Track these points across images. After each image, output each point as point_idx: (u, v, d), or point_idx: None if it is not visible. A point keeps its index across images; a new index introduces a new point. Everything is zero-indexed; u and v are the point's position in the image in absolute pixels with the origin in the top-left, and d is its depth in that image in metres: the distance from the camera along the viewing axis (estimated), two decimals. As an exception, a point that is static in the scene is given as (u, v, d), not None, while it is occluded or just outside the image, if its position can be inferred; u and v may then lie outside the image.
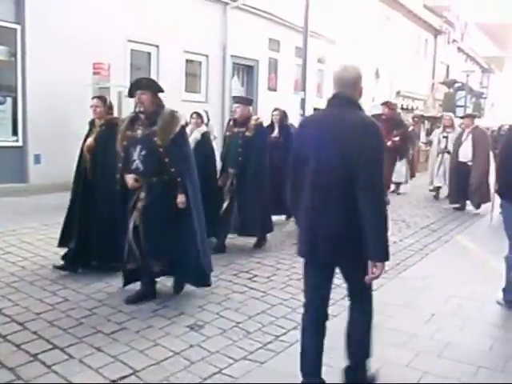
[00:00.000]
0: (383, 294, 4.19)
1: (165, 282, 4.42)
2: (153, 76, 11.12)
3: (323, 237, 2.61)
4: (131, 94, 4.08)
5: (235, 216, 5.72)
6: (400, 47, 21.52)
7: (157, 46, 11.19)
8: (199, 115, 6.22)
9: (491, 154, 9.33)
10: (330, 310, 2.86)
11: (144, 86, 4.03)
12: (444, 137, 10.03)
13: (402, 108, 19.70)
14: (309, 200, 2.64)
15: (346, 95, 2.64)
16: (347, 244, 2.58)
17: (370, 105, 12.32)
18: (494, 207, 7.16)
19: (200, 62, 12.71)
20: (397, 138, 9.31)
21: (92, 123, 4.91)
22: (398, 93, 21.91)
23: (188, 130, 6.08)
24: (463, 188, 8.84)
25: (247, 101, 6.09)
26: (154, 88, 4.07)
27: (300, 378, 2.80)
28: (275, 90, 15.04)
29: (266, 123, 7.24)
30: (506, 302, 4.32)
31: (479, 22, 41.81)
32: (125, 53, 10.46)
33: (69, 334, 3.49)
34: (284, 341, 3.54)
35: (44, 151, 9.00)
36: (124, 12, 10.09)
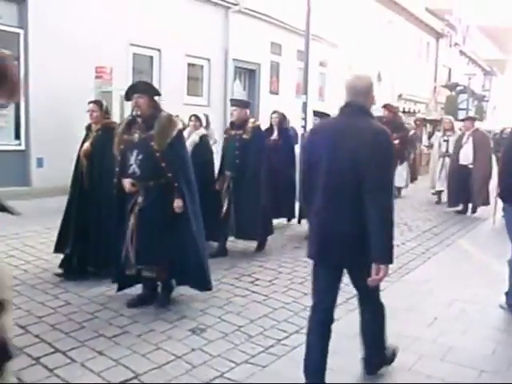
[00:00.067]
0: (385, 298, 4.14)
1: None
2: (155, 80, 11.17)
3: (333, 239, 2.67)
4: (128, 98, 4.07)
5: (233, 219, 5.70)
6: (402, 50, 21.54)
7: (159, 50, 11.22)
8: (198, 118, 6.20)
9: (493, 158, 9.31)
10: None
11: (141, 89, 4.02)
12: (445, 140, 10.01)
13: (404, 111, 19.71)
14: (320, 202, 2.72)
15: (359, 104, 2.73)
16: (357, 246, 2.63)
17: (372, 108, 12.31)
18: (496, 210, 7.14)
19: (202, 66, 12.74)
20: (396, 141, 9.31)
21: (89, 128, 4.91)
22: (400, 96, 21.91)
23: (186, 132, 6.08)
24: (463, 191, 8.82)
25: (244, 104, 6.07)
26: (150, 92, 4.06)
27: (303, 380, 2.80)
28: (277, 94, 15.06)
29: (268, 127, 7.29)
30: (509, 305, 4.30)
31: (481, 25, 41.83)
32: (127, 57, 10.49)
33: (71, 338, 3.49)
34: (286, 345, 3.53)
35: (46, 155, 9.02)
36: (126, 16, 10.13)
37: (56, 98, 8.85)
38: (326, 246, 2.71)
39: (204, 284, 4.22)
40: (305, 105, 10.97)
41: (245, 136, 5.68)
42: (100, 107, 4.81)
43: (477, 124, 9.36)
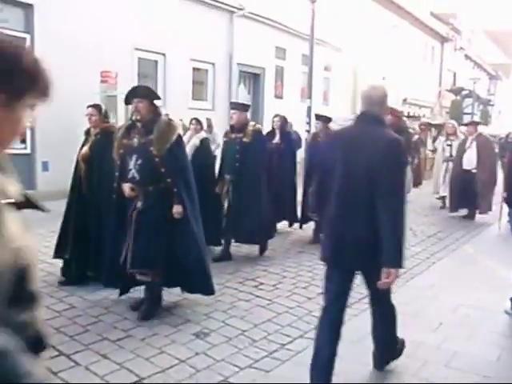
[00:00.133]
0: (390, 303, 4.17)
1: (171, 290, 4.41)
2: (160, 84, 11.22)
3: (348, 244, 2.75)
4: (128, 102, 4.06)
5: (232, 223, 5.64)
6: (406, 55, 21.55)
7: (163, 55, 11.27)
8: (198, 121, 6.20)
9: (499, 162, 9.26)
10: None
11: (140, 94, 3.99)
12: (448, 145, 9.96)
13: (409, 116, 19.68)
14: (334, 207, 2.81)
15: (374, 113, 2.83)
16: (370, 251, 2.70)
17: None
18: (502, 216, 7.10)
19: (206, 70, 12.78)
20: None
21: (87, 132, 4.90)
22: (405, 100, 21.89)
23: (187, 136, 6.09)
24: (465, 196, 8.74)
25: (244, 107, 5.99)
26: (150, 96, 4.03)
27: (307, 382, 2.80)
28: (281, 98, 15.08)
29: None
30: (514, 311, 4.29)
31: (486, 29, 41.80)
32: (132, 61, 10.54)
33: (75, 341, 3.49)
34: (290, 349, 3.53)
35: (52, 158, 9.06)
36: (131, 21, 10.18)
37: (62, 102, 8.79)
38: (339, 250, 2.80)
39: (207, 288, 4.19)
40: (309, 109, 10.99)
41: (245, 139, 5.63)
42: (99, 111, 4.79)
43: (481, 128, 9.31)
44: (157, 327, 3.80)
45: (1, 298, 0.85)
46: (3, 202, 0.91)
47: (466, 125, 10.03)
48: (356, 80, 18.33)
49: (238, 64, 13.36)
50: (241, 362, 3.30)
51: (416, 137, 12.52)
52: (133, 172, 3.93)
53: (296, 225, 7.22)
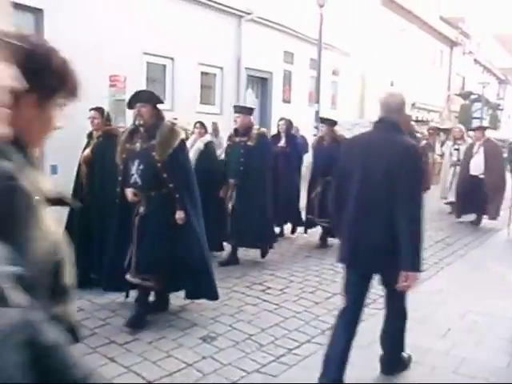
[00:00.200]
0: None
1: (178, 293, 4.42)
2: (168, 88, 11.26)
3: (364, 246, 2.84)
4: (131, 107, 4.05)
5: (234, 226, 5.61)
6: (415, 59, 21.49)
7: (172, 59, 11.32)
8: (203, 125, 6.15)
9: (508, 167, 9.19)
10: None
11: (143, 98, 3.97)
12: (455, 149, 9.89)
13: (417, 120, 19.62)
14: (353, 211, 2.88)
15: (392, 120, 2.89)
16: (388, 254, 2.78)
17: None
18: (511, 221, 7.06)
19: (215, 75, 12.82)
20: None
21: (90, 135, 4.91)
22: (413, 105, 21.79)
23: (191, 139, 6.07)
24: (472, 202, 8.66)
25: (248, 110, 5.93)
26: (153, 100, 4.00)
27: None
28: (289, 102, 15.09)
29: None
30: (524, 317, 4.25)
31: (496, 33, 41.60)
32: (141, 65, 10.60)
33: (82, 344, 3.50)
34: (297, 354, 3.52)
35: (60, 162, 9.09)
36: (140, 25, 10.24)
37: (70, 106, 8.94)
38: (357, 253, 2.88)
39: (211, 293, 4.16)
40: (317, 113, 10.99)
41: (249, 143, 5.58)
42: (101, 114, 4.81)
43: (490, 133, 9.24)
44: (164, 331, 3.80)
45: (44, 290, 0.87)
46: (39, 198, 0.94)
47: (473, 130, 9.96)
48: (364, 84, 18.31)
49: (246, 68, 13.39)
50: (248, 367, 3.29)
51: (424, 141, 12.46)
52: (135, 177, 3.91)
53: (299, 229, 7.18)
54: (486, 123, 18.67)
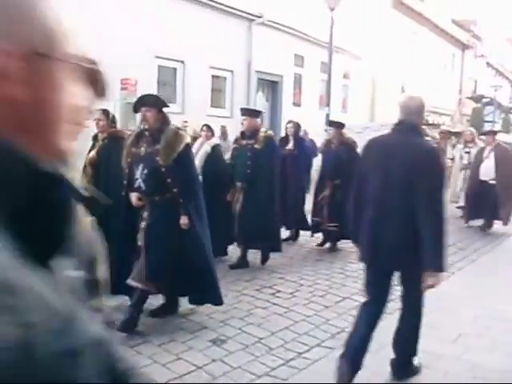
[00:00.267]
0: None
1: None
2: (179, 91, 11.33)
3: (385, 247, 2.90)
4: (136, 110, 4.04)
5: (240, 228, 5.57)
6: (426, 62, 21.39)
7: (183, 62, 11.38)
8: (209, 128, 6.11)
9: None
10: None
11: (148, 102, 3.94)
12: (466, 152, 9.80)
13: (428, 123, 19.49)
14: (373, 211, 2.94)
15: (411, 122, 2.95)
16: (407, 254, 2.86)
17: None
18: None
19: (225, 78, 12.86)
20: None
21: (95, 138, 4.93)
22: (424, 108, 21.70)
23: (198, 143, 6.07)
24: (481, 207, 8.56)
25: (255, 113, 5.89)
26: (158, 105, 3.97)
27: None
28: (300, 106, 15.09)
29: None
30: (537, 323, 4.20)
31: (508, 36, 41.26)
32: (152, 69, 10.66)
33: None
34: (307, 358, 3.50)
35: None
36: (151, 29, 10.31)
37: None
38: (377, 252, 2.94)
39: (215, 298, 4.12)
40: (327, 117, 10.97)
41: (256, 146, 5.53)
42: (106, 116, 4.82)
43: (502, 136, 9.15)
44: (174, 333, 3.81)
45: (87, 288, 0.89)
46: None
47: (484, 134, 9.87)
48: (375, 88, 18.26)
49: (257, 71, 13.42)
50: (257, 370, 3.28)
51: (435, 145, 12.36)
52: (139, 181, 3.89)
53: (302, 232, 7.10)
54: (498, 127, 18.54)
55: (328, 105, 11.43)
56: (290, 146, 7.05)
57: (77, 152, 0.66)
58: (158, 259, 3.84)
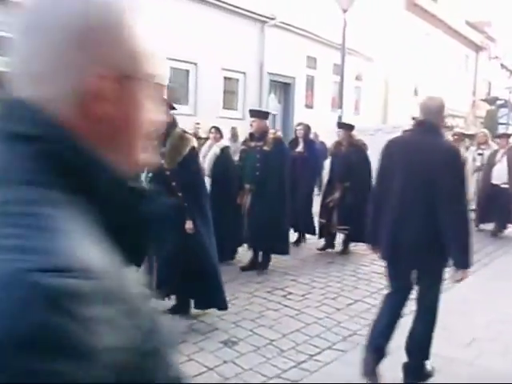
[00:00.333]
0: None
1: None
2: (191, 93, 11.37)
3: (406, 246, 2.94)
4: None
5: (248, 230, 5.55)
6: (439, 63, 21.24)
7: (195, 64, 11.42)
8: (218, 130, 6.11)
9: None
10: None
11: None
12: (479, 154, 9.69)
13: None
14: (394, 211, 2.99)
15: (431, 122, 2.99)
16: (427, 253, 2.93)
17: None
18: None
19: (237, 80, 12.89)
20: None
21: None
22: (437, 110, 21.54)
23: (207, 145, 6.08)
24: (492, 210, 8.43)
25: (263, 114, 5.84)
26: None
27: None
28: (312, 108, 15.07)
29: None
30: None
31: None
32: (164, 70, 10.72)
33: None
34: (318, 360, 3.50)
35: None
36: (163, 31, 10.32)
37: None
38: (397, 251, 3.00)
39: (219, 302, 4.11)
40: (340, 119, 10.94)
41: (265, 148, 5.49)
42: None
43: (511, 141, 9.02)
44: (185, 334, 3.82)
45: None
46: None
47: (498, 137, 9.75)
48: (387, 90, 18.17)
49: (269, 73, 13.43)
50: (269, 372, 3.29)
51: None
52: (143, 184, 3.87)
53: (308, 236, 7.06)
54: (512, 129, 18.36)
55: (340, 107, 11.40)
56: (300, 148, 7.02)
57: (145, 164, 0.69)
58: (166, 264, 3.82)
